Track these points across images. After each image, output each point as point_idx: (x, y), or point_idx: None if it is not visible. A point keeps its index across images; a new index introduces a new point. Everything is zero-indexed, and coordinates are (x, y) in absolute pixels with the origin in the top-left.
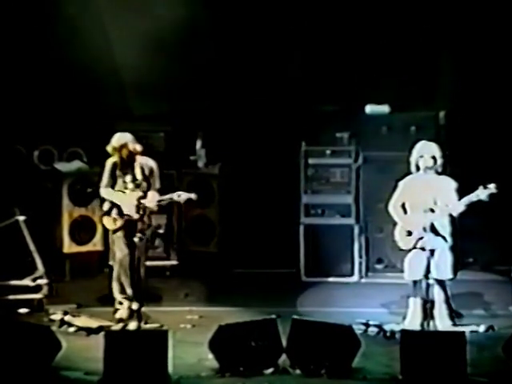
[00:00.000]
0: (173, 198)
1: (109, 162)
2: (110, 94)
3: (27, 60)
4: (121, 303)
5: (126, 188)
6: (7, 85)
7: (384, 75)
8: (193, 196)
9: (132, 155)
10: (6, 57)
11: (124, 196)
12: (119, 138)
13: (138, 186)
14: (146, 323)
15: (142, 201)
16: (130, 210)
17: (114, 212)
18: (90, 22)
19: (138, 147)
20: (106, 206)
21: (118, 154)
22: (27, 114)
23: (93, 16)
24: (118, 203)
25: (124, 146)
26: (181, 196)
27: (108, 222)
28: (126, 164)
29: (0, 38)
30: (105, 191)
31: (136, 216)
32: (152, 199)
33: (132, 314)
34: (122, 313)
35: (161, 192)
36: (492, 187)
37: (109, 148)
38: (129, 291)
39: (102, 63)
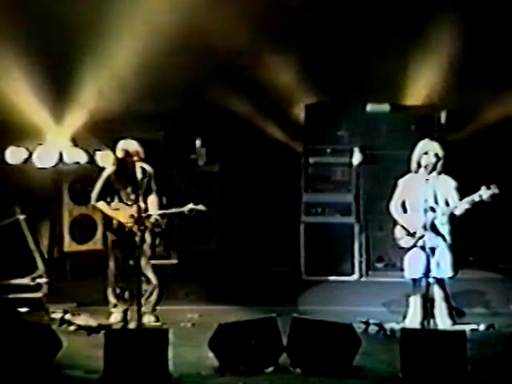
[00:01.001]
0: (183, 211)
1: (105, 174)
2: (109, 93)
3: (27, 58)
4: (115, 306)
5: (128, 199)
6: (8, 82)
7: (384, 74)
8: (204, 208)
9: (134, 163)
10: (6, 55)
11: (125, 208)
12: (126, 146)
13: (139, 196)
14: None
15: (143, 214)
16: (131, 222)
17: (115, 224)
18: (91, 20)
19: (142, 154)
20: (107, 219)
21: (126, 161)
22: (27, 112)
23: (92, 14)
24: (119, 218)
25: (128, 153)
26: (192, 211)
27: (110, 233)
28: (127, 174)
29: (3, 39)
30: (99, 204)
31: (138, 229)
32: (152, 207)
33: (126, 317)
34: (117, 316)
35: (158, 193)
36: (494, 188)
37: (118, 155)
38: (125, 295)
39: (102, 62)
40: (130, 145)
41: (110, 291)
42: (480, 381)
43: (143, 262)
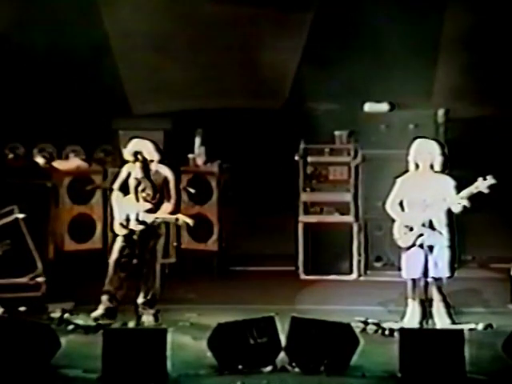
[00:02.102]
0: (171, 220)
1: (124, 169)
2: (109, 92)
3: (27, 58)
4: (109, 301)
5: (138, 196)
6: (7, 83)
7: (383, 73)
8: (190, 222)
9: (147, 164)
10: (6, 55)
11: (133, 205)
12: (134, 145)
13: (149, 196)
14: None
15: (144, 214)
16: (135, 220)
17: (123, 218)
18: (90, 20)
19: (155, 156)
20: (115, 212)
21: (133, 160)
22: (26, 111)
23: (93, 14)
24: (126, 212)
25: (139, 153)
26: (178, 220)
27: (117, 226)
28: (141, 172)
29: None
30: (115, 195)
31: (140, 227)
32: (163, 213)
33: (109, 313)
34: (98, 313)
35: (178, 203)
36: (491, 178)
37: (125, 153)
38: (116, 292)
39: (102, 61)
40: (140, 146)
41: (105, 286)
42: (478, 380)
43: (151, 263)
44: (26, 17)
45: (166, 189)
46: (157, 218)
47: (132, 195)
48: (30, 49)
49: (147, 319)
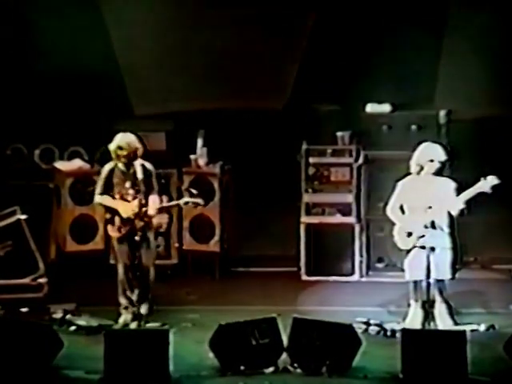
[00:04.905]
0: (179, 204)
1: (105, 169)
2: (111, 93)
3: (28, 59)
4: (126, 308)
5: (126, 194)
6: (9, 83)
7: (385, 74)
8: (200, 201)
9: (134, 157)
10: (7, 55)
11: (125, 204)
12: (121, 139)
13: (138, 192)
14: (146, 322)
15: (144, 208)
16: (132, 218)
17: (118, 220)
18: (92, 20)
19: (141, 149)
20: (108, 215)
21: (119, 155)
22: (28, 112)
23: (94, 14)
24: (120, 212)
25: (126, 147)
26: (188, 203)
27: (112, 230)
28: (126, 168)
29: (1, 37)
30: (102, 198)
31: (140, 224)
32: (153, 205)
33: (136, 317)
34: (127, 318)
35: (159, 193)
36: (493, 178)
37: (111, 148)
38: (134, 297)
39: (103, 62)
40: (127, 140)
41: (120, 292)
42: (480, 381)
43: (147, 265)
44: (28, 21)
45: (149, 181)
46: (162, 206)
47: (119, 195)
48: (32, 51)
49: (144, 310)
